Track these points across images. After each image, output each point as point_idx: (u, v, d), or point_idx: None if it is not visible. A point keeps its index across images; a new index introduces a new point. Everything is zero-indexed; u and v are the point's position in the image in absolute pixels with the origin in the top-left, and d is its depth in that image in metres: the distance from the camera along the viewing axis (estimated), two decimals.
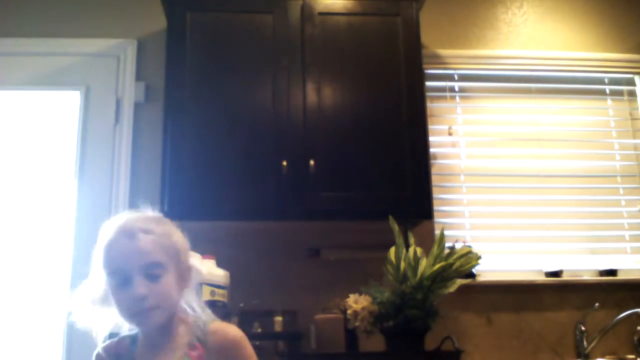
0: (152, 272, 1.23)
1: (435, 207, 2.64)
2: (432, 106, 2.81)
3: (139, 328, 1.28)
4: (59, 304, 2.45)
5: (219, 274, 2.04)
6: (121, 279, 1.22)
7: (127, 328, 1.33)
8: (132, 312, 1.23)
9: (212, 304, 1.81)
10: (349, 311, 2.09)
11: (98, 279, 1.28)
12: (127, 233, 1.24)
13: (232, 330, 1.31)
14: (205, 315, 1.33)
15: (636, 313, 2.50)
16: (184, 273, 1.30)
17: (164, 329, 1.28)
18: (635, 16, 3.04)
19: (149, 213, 1.33)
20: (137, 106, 2.67)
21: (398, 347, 2.06)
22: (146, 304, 1.21)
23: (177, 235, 1.32)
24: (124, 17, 2.78)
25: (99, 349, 1.34)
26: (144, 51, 2.74)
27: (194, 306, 1.34)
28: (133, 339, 1.33)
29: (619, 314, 2.54)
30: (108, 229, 1.27)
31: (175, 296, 1.27)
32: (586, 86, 2.96)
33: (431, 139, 2.72)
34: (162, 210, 2.20)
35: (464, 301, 2.57)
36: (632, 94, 2.97)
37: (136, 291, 1.20)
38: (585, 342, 2.57)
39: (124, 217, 1.29)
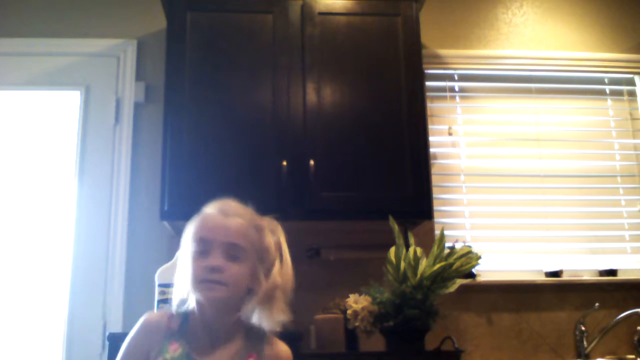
0: (232, 253, 1.30)
1: (435, 207, 2.64)
2: (432, 106, 2.81)
3: (202, 300, 1.30)
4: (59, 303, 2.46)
5: None
6: (203, 248, 1.30)
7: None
8: (200, 279, 1.27)
9: None
10: (349, 311, 2.09)
11: (185, 247, 1.34)
12: (223, 211, 1.34)
13: (286, 349, 1.40)
14: (262, 331, 1.38)
15: (636, 313, 2.50)
16: (258, 273, 1.33)
17: (227, 326, 1.33)
18: (635, 16, 3.04)
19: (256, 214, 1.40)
20: (137, 106, 2.67)
21: (398, 347, 2.06)
22: (215, 276, 1.27)
23: (271, 239, 1.37)
24: (124, 17, 2.78)
25: (149, 314, 1.36)
26: (144, 51, 2.74)
27: (256, 320, 1.36)
28: (184, 318, 1.34)
29: (619, 314, 2.54)
30: (211, 206, 1.37)
31: (243, 285, 1.31)
32: (586, 86, 2.96)
33: (431, 139, 2.72)
34: (161, 210, 2.21)
35: (464, 301, 2.57)
36: (632, 94, 2.97)
37: (211, 261, 1.27)
38: (585, 342, 2.57)
39: (227, 201, 1.39)
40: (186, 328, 1.33)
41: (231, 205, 1.37)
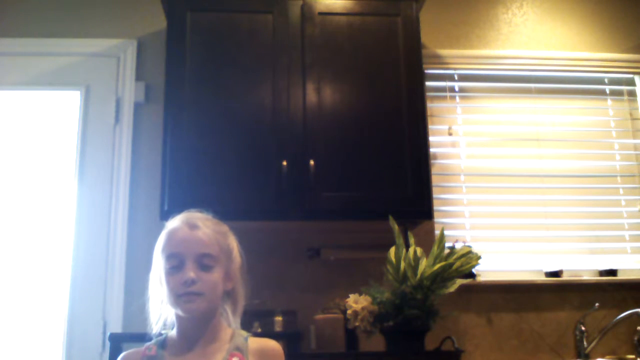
0: (205, 262, 1.33)
1: (435, 207, 2.64)
2: (432, 106, 2.81)
3: (182, 314, 1.33)
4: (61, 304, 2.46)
5: None
6: (176, 263, 1.33)
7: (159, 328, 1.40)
8: (179, 294, 1.31)
9: None
10: (349, 311, 2.09)
11: (156, 264, 1.37)
12: (189, 224, 1.36)
13: (274, 343, 1.40)
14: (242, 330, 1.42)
15: (636, 313, 2.50)
16: (230, 274, 1.40)
17: (208, 329, 1.35)
18: (635, 16, 3.04)
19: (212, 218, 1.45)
20: (137, 106, 2.67)
21: (398, 347, 2.06)
22: (193, 288, 1.30)
23: (232, 240, 1.44)
24: (124, 17, 2.78)
25: (124, 354, 1.40)
26: (144, 51, 2.74)
27: (230, 317, 1.41)
28: (160, 343, 1.38)
29: (619, 314, 2.54)
30: (174, 220, 1.39)
31: (219, 291, 1.36)
32: (586, 86, 2.96)
33: (431, 139, 2.72)
34: (161, 210, 2.21)
35: (464, 301, 2.57)
36: (632, 94, 2.97)
37: (187, 275, 1.30)
38: (585, 342, 2.57)
39: (190, 212, 1.41)
40: (164, 349, 1.37)
41: (195, 215, 1.40)
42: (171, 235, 1.36)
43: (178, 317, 1.36)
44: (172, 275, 1.32)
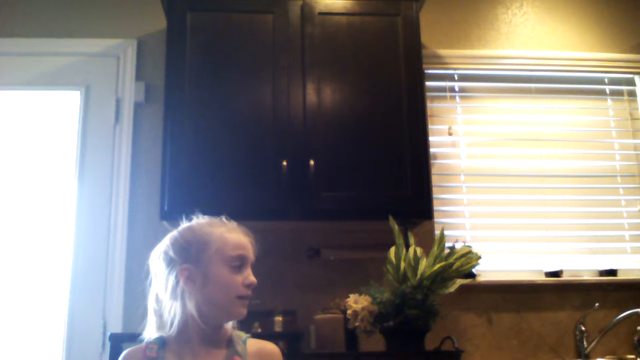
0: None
1: (435, 207, 2.64)
2: (432, 106, 2.81)
3: (230, 317, 1.35)
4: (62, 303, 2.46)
5: None
6: (239, 263, 1.34)
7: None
8: (241, 295, 1.32)
9: None
10: (349, 311, 2.09)
11: (215, 261, 1.33)
12: (243, 230, 1.40)
13: (271, 345, 1.41)
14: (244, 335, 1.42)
15: (636, 313, 2.50)
16: None
17: (215, 333, 1.34)
18: (635, 16, 3.04)
19: None
20: (137, 106, 2.67)
21: (398, 347, 2.06)
22: (250, 293, 1.34)
23: None
24: (124, 17, 2.78)
25: (128, 350, 1.39)
26: (144, 51, 2.74)
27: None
28: (160, 344, 1.36)
29: (619, 314, 2.54)
30: (216, 224, 1.39)
31: None
32: (586, 86, 2.96)
33: (431, 139, 2.72)
34: (161, 210, 2.21)
35: (464, 301, 2.57)
36: (632, 94, 2.97)
37: (251, 277, 1.34)
38: (585, 342, 2.57)
39: (224, 220, 1.41)
40: (164, 350, 1.35)
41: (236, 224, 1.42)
42: (236, 237, 1.37)
43: (190, 318, 1.31)
44: (234, 274, 1.33)
